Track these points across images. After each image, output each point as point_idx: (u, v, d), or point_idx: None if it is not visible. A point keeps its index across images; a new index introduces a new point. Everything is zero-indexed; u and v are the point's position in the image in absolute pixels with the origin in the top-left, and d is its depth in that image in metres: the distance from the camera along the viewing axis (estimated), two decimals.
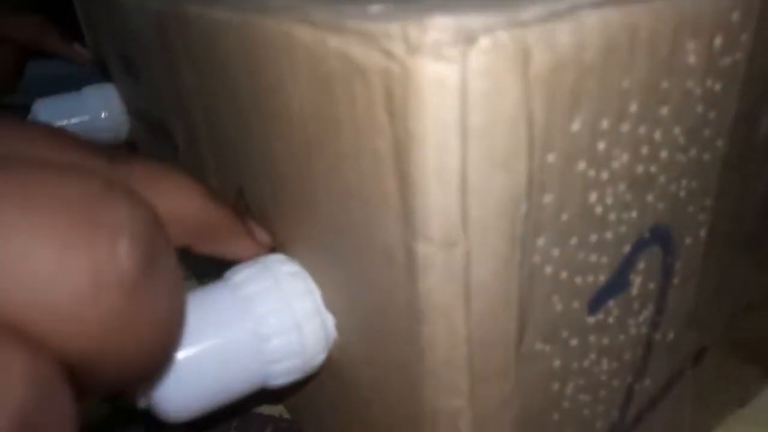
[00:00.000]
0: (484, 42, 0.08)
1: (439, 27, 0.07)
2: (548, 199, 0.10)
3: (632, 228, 0.11)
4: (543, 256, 0.10)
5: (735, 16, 0.10)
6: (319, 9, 0.10)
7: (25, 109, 0.29)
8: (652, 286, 0.13)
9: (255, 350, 0.13)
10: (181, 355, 0.13)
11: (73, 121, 0.28)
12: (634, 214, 0.11)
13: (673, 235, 0.12)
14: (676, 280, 0.13)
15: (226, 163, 0.17)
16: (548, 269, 0.11)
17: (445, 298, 0.10)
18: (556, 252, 0.10)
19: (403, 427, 0.12)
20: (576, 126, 0.09)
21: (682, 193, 0.12)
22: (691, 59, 0.10)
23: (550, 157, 0.09)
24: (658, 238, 0.12)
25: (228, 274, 0.14)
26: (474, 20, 0.07)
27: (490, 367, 0.11)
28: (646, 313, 0.13)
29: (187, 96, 0.18)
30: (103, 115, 0.29)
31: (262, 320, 0.13)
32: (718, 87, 0.11)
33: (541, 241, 0.10)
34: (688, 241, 0.13)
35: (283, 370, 0.14)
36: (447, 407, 0.11)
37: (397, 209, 0.10)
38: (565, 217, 0.10)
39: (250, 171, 0.15)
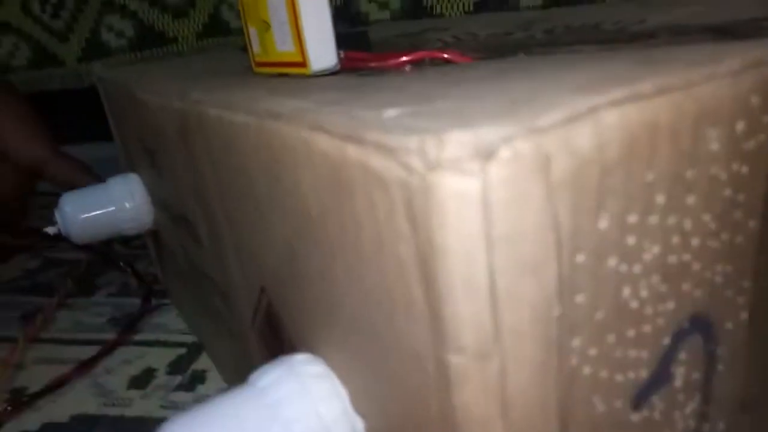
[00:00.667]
0: (503, 154, 0.07)
1: (457, 142, 0.07)
2: (580, 299, 0.09)
3: (670, 319, 0.11)
4: (580, 358, 0.10)
5: (755, 100, 0.10)
6: (335, 115, 0.10)
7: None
8: (696, 375, 0.12)
9: None
10: None
11: (99, 212, 0.29)
12: (670, 305, 0.11)
13: (712, 322, 0.12)
14: (720, 367, 0.13)
15: (248, 261, 0.17)
16: (587, 370, 0.10)
17: (482, 411, 0.09)
18: (593, 351, 0.10)
19: None
20: (603, 224, 0.09)
21: (718, 279, 0.11)
22: (714, 146, 0.10)
23: (579, 258, 0.09)
24: (698, 326, 0.12)
25: (252, 378, 0.14)
26: (492, 132, 0.07)
27: None
28: (693, 405, 0.12)
29: (208, 194, 0.18)
30: (127, 206, 0.29)
31: (290, 426, 0.13)
32: (745, 170, 0.11)
33: (576, 342, 0.10)
34: (728, 325, 0.12)
35: None
36: None
37: (424, 317, 0.09)
38: (599, 315, 0.10)
39: (271, 270, 0.15)
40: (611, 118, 0.08)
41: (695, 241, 0.11)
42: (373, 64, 0.19)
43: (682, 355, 0.12)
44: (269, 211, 0.14)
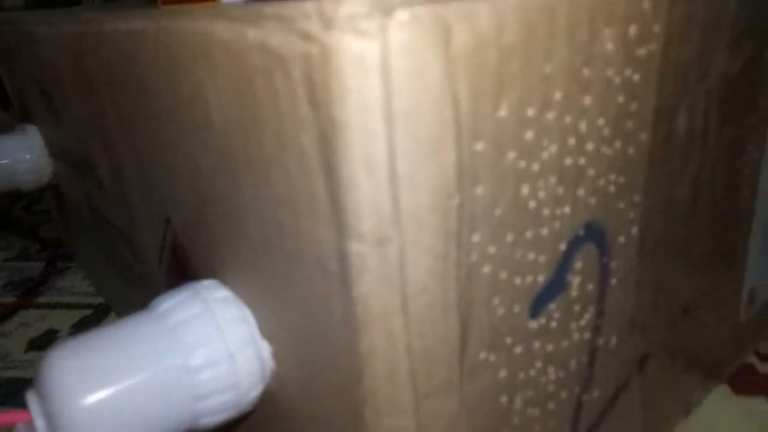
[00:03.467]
0: (402, 15, 0.07)
1: None
2: (480, 191, 0.09)
3: (567, 224, 0.11)
4: (480, 255, 0.10)
5: (646, 6, 0.11)
6: (235, 4, 0.10)
7: None
8: (590, 287, 0.13)
9: (183, 385, 0.12)
10: (99, 392, 0.11)
11: None
12: (567, 209, 0.11)
13: (606, 233, 0.12)
14: (613, 281, 0.13)
15: (151, 193, 0.16)
16: (486, 269, 0.10)
17: (382, 303, 0.09)
18: (492, 249, 0.10)
19: None
20: (503, 112, 0.09)
21: (612, 189, 0.12)
22: (609, 47, 0.10)
23: (479, 146, 0.09)
24: (593, 235, 0.12)
25: (154, 302, 0.13)
26: None
27: (434, 381, 0.10)
28: (588, 317, 0.13)
29: (107, 124, 0.17)
30: (23, 158, 0.27)
31: (191, 351, 0.12)
32: (636, 78, 0.11)
33: (476, 238, 0.10)
34: (621, 239, 0.13)
35: (215, 406, 0.12)
36: (391, 428, 0.10)
37: (326, 210, 0.09)
38: (498, 211, 0.10)
39: (176, 196, 0.15)
40: None
41: (590, 146, 0.11)
42: None
43: (578, 265, 0.12)
44: (170, 126, 0.13)
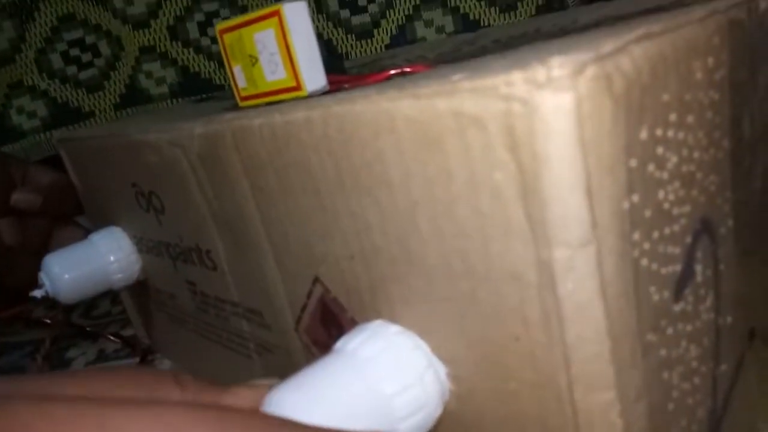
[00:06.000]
0: (590, 72, 0.10)
1: (560, 65, 0.10)
2: (636, 198, 0.12)
3: (689, 220, 0.14)
4: (639, 250, 0.12)
5: (716, 40, 0.14)
6: (414, 85, 0.12)
7: None
8: (708, 272, 0.15)
9: (383, 412, 0.14)
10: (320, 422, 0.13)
11: (88, 269, 0.29)
12: (687, 207, 0.14)
13: (713, 225, 0.15)
14: (722, 266, 0.16)
15: (294, 260, 0.18)
16: (644, 262, 0.12)
17: (587, 296, 0.11)
18: (647, 246, 0.12)
19: None
20: (643, 135, 0.12)
21: (712, 188, 0.15)
22: (698, 75, 0.13)
23: (633, 162, 0.12)
24: (706, 227, 0.15)
25: (339, 344, 0.15)
26: (579, 57, 0.10)
27: (625, 357, 0.12)
28: (710, 299, 0.15)
29: (239, 209, 0.19)
30: (112, 258, 0.29)
31: (385, 380, 0.14)
32: (716, 96, 0.14)
33: (636, 236, 0.12)
34: (722, 230, 0.15)
35: (412, 426, 0.14)
36: (598, 402, 0.12)
37: (523, 230, 0.11)
38: (648, 213, 0.12)
39: (330, 255, 0.17)
40: (639, 51, 0.11)
41: (696, 154, 0.14)
42: (356, 83, 0.21)
43: (699, 254, 0.14)
44: (336, 193, 0.15)
